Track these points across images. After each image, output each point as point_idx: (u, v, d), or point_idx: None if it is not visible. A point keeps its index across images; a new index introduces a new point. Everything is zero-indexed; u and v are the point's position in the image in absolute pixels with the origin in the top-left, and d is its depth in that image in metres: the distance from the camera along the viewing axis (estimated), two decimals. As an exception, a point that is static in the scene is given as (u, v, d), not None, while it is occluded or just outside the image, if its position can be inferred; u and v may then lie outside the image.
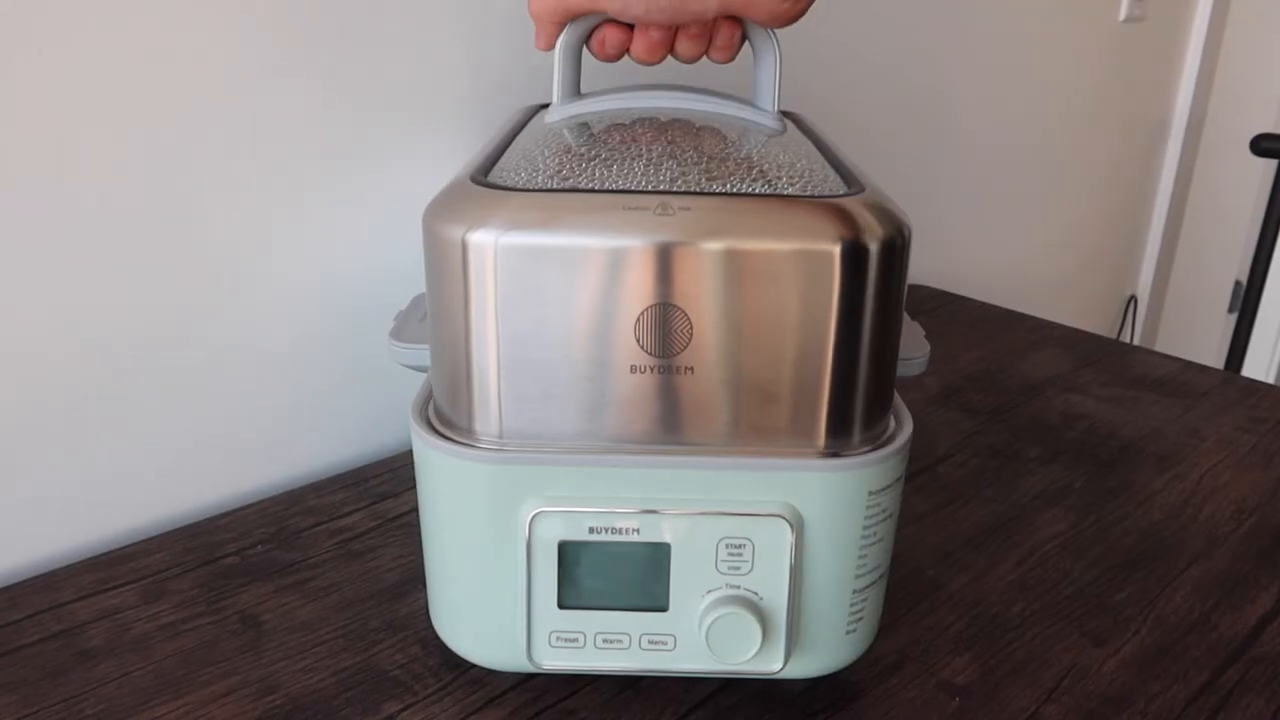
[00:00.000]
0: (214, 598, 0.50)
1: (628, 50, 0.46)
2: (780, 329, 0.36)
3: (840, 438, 0.39)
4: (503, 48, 0.65)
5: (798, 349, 0.37)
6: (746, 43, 0.47)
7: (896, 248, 0.37)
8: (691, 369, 0.37)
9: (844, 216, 0.36)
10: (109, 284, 0.53)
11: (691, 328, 0.36)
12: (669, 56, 0.47)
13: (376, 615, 0.49)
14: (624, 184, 0.37)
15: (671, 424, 0.38)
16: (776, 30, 0.45)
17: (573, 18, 0.45)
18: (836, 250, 0.35)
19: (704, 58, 0.47)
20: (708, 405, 0.38)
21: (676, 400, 0.38)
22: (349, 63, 0.59)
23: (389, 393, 0.66)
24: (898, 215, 0.37)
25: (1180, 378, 0.81)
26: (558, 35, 0.46)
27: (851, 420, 0.38)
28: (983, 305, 0.99)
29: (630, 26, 0.45)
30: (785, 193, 0.37)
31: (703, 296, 0.36)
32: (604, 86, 0.49)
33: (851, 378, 0.38)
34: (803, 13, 0.43)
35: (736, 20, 0.45)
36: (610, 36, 0.46)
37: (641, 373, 0.37)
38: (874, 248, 0.36)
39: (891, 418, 0.41)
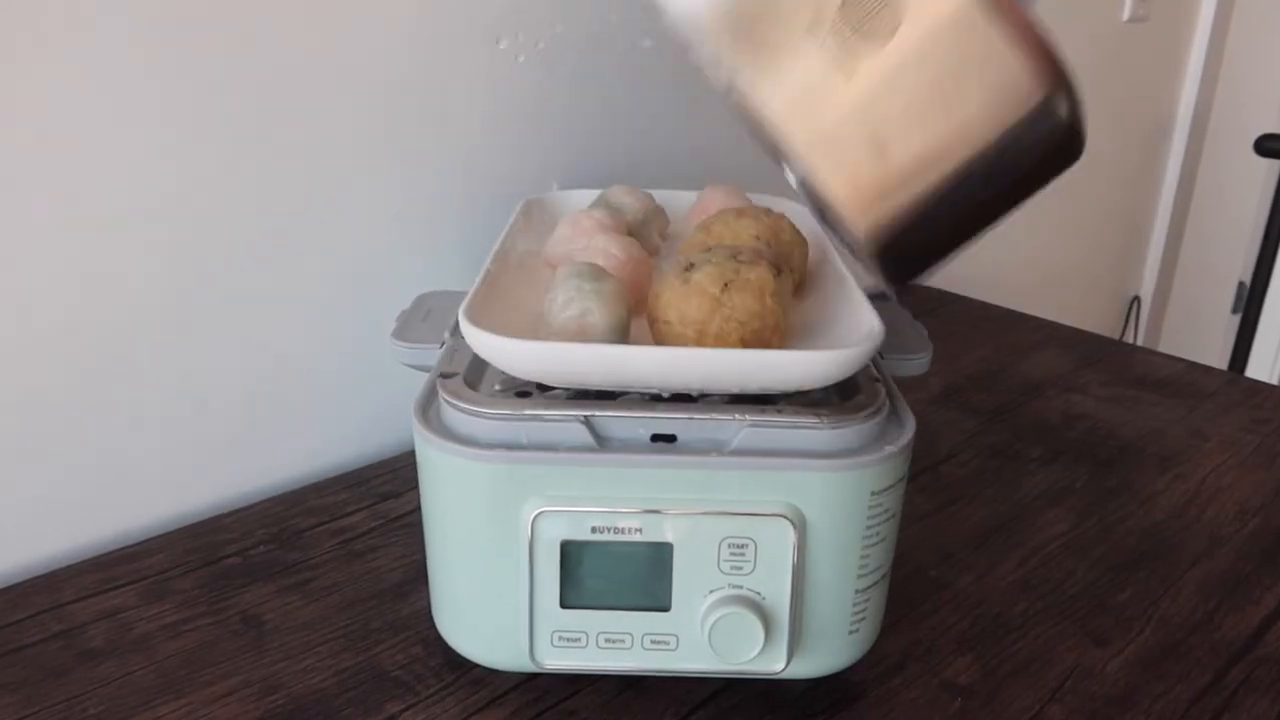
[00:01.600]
0: (215, 598, 0.50)
1: None
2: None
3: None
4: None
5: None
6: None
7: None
8: (693, 368, 0.37)
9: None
10: (110, 284, 0.53)
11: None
12: None
13: (378, 615, 0.49)
14: None
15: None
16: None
17: None
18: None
19: None
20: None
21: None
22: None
23: (390, 393, 0.66)
24: None
25: (1183, 378, 0.81)
26: None
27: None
28: (984, 305, 0.99)
29: None
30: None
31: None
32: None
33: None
34: None
35: None
36: None
37: (643, 372, 0.37)
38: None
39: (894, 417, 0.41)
